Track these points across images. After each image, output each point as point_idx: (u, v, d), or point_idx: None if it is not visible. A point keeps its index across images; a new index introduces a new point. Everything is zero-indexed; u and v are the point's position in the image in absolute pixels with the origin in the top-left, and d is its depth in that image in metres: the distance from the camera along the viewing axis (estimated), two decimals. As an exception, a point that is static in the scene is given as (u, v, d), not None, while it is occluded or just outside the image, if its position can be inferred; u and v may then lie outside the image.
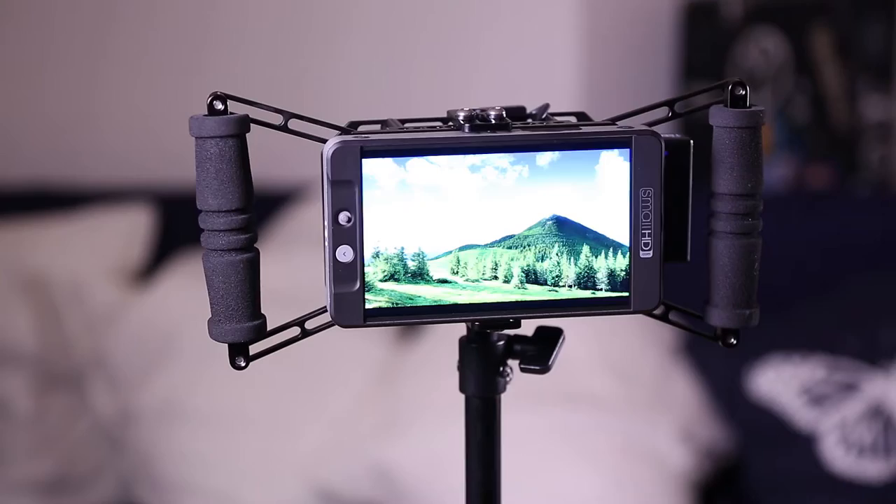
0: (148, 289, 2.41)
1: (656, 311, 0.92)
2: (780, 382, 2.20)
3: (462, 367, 0.96)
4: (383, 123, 0.93)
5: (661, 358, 2.27)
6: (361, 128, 0.93)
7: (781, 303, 2.41)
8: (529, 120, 0.93)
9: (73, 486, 2.41)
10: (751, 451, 2.18)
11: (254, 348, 0.90)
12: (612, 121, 0.91)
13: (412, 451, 2.12)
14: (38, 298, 2.45)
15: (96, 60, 2.72)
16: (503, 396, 2.07)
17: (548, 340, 0.96)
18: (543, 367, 0.94)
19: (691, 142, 0.93)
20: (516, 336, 0.97)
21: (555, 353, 0.95)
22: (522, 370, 0.95)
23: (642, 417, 2.15)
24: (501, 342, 0.96)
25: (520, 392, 2.08)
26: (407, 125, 0.93)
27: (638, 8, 2.64)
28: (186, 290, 2.24)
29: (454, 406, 2.08)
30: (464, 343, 0.96)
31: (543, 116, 0.93)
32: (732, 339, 0.92)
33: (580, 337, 2.24)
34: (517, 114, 0.94)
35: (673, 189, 0.93)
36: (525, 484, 2.05)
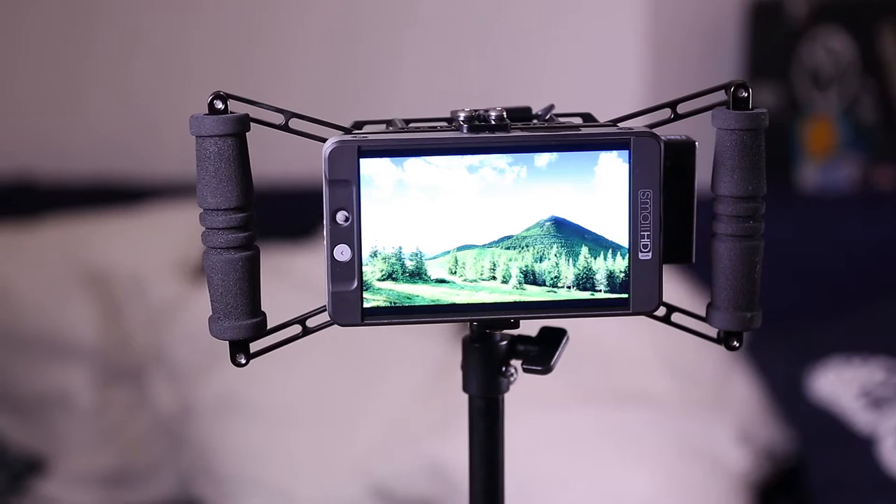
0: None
1: (658, 313, 0.92)
2: (841, 384, 2.18)
3: (465, 366, 0.96)
4: (388, 123, 0.94)
5: (720, 358, 2.26)
6: (366, 127, 0.93)
7: (844, 304, 2.38)
8: (535, 121, 0.93)
9: (132, 480, 2.43)
10: (810, 453, 2.16)
11: (256, 346, 0.91)
12: (614, 122, 0.90)
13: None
14: (100, 293, 2.48)
15: (155, 58, 2.75)
16: (569, 394, 2.08)
17: (551, 341, 0.96)
18: (545, 368, 0.94)
19: (696, 143, 0.93)
20: (520, 336, 0.97)
21: (557, 353, 0.95)
22: (525, 370, 0.96)
23: (700, 418, 2.14)
24: (504, 342, 0.96)
25: (577, 391, 2.09)
26: (411, 125, 0.93)
27: (703, 8, 2.63)
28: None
29: (512, 404, 2.09)
30: (467, 343, 0.96)
31: (547, 117, 0.93)
32: (735, 342, 0.91)
33: (638, 336, 2.24)
34: (522, 114, 0.94)
35: (678, 190, 0.93)
36: (580, 483, 2.05)
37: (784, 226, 2.44)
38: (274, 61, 2.71)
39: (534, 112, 0.95)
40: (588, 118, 0.95)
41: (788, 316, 2.41)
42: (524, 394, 2.08)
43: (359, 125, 0.94)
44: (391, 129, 0.91)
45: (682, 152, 0.93)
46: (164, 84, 2.73)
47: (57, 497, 2.40)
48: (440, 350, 2.29)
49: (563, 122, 0.93)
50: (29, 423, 2.46)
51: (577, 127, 0.89)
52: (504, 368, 0.96)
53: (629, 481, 2.04)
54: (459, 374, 2.18)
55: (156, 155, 2.65)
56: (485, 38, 2.62)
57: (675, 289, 2.20)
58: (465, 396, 2.14)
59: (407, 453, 2.18)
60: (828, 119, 2.60)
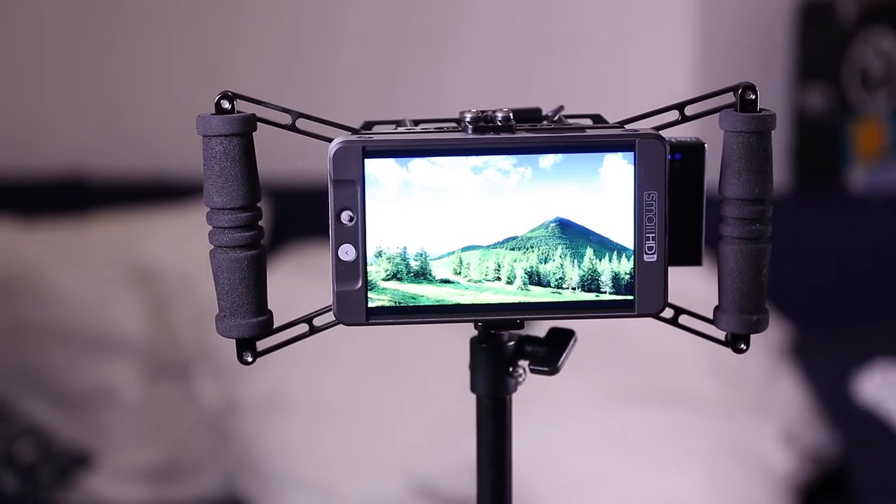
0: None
1: (665, 315, 0.92)
2: (886, 387, 2.16)
3: (472, 366, 0.97)
4: (397, 123, 0.94)
5: (767, 359, 2.25)
6: (375, 128, 0.94)
7: (891, 307, 2.37)
8: (545, 122, 0.93)
9: (178, 475, 2.45)
10: (854, 456, 2.15)
11: (262, 344, 0.91)
12: (622, 124, 0.90)
13: (515, 447, 2.11)
14: (148, 290, 2.50)
15: (205, 57, 2.77)
16: (613, 395, 2.07)
17: (559, 342, 0.96)
18: (552, 369, 0.94)
19: (705, 145, 0.93)
20: (528, 337, 0.97)
21: (565, 354, 0.95)
22: (531, 371, 0.96)
23: (745, 419, 2.13)
24: (512, 343, 0.96)
25: (621, 392, 2.09)
26: (420, 125, 0.94)
27: (752, 10, 2.61)
28: (294, 283, 2.27)
29: (556, 403, 2.09)
30: (474, 343, 0.97)
31: (556, 118, 0.93)
32: (742, 345, 0.91)
33: (683, 337, 2.23)
34: (531, 115, 0.94)
35: (687, 192, 0.93)
36: (623, 484, 2.05)
37: (833, 227, 2.43)
38: (316, 65, 2.72)
39: (543, 113, 0.95)
40: (598, 119, 0.95)
41: (835, 318, 2.39)
42: (569, 394, 2.10)
43: (369, 125, 0.94)
44: (399, 129, 0.92)
45: (691, 154, 0.93)
46: (211, 83, 2.74)
47: (103, 491, 2.43)
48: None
49: (571, 124, 0.93)
50: (76, 417, 2.48)
51: (582, 128, 0.89)
52: (511, 369, 0.96)
53: (672, 482, 2.04)
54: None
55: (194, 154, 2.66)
56: (531, 37, 2.62)
57: (702, 287, 2.20)
58: (514, 396, 2.14)
59: (450, 451, 2.18)
60: (877, 120, 2.58)
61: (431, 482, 2.20)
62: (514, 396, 2.09)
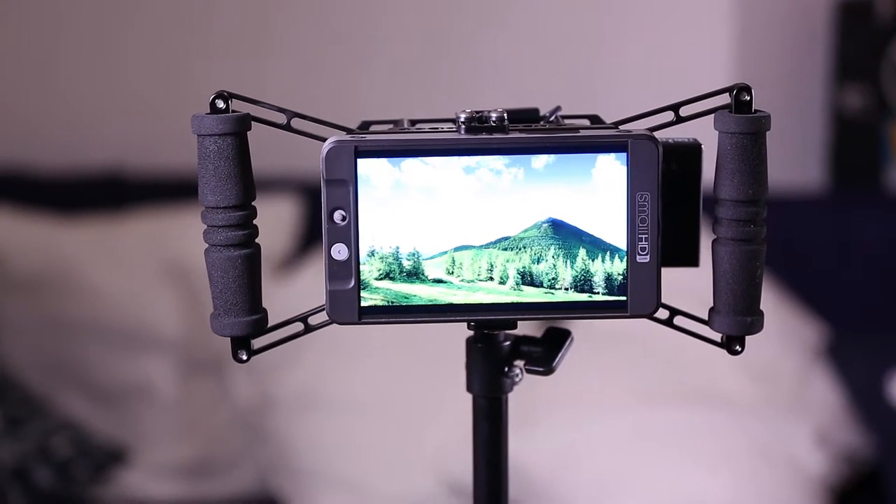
0: (291, 278, 2.45)
1: (660, 316, 0.92)
2: (922, 389, 2.15)
3: (468, 366, 0.97)
4: (395, 123, 0.95)
5: (801, 360, 2.24)
6: (372, 127, 0.94)
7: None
8: (542, 122, 0.93)
9: (212, 472, 2.47)
10: (889, 457, 2.14)
11: (259, 342, 0.92)
12: (617, 124, 0.90)
13: (545, 447, 2.12)
14: (183, 286, 2.51)
15: (242, 54, 2.78)
16: (647, 395, 2.07)
17: (555, 342, 0.96)
18: (547, 369, 0.94)
19: (702, 146, 0.93)
20: (524, 337, 0.97)
21: (560, 354, 0.95)
22: (527, 371, 0.96)
23: (779, 420, 2.12)
24: (508, 342, 0.96)
25: (655, 391, 2.09)
26: (417, 125, 0.94)
27: (790, 8, 2.59)
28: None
29: (587, 403, 2.09)
30: (470, 343, 0.97)
31: (551, 119, 0.93)
32: (738, 347, 0.91)
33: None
34: (528, 116, 0.94)
35: (683, 193, 0.93)
36: (656, 484, 2.05)
37: (871, 228, 2.41)
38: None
39: (541, 114, 0.95)
40: (595, 120, 0.95)
41: (871, 318, 2.38)
42: (600, 394, 2.10)
43: (366, 125, 0.95)
44: (395, 129, 0.92)
45: (687, 155, 0.93)
46: (246, 82, 2.76)
47: (138, 487, 2.45)
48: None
49: (566, 125, 0.93)
50: (113, 413, 2.50)
51: (576, 129, 0.89)
52: (507, 369, 0.96)
53: (704, 483, 2.03)
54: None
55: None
56: (570, 36, 2.62)
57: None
58: (544, 396, 2.15)
59: (482, 451, 2.18)
60: (917, 120, 2.56)
61: (463, 480, 2.19)
62: (549, 395, 2.10)
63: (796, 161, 2.63)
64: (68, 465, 2.38)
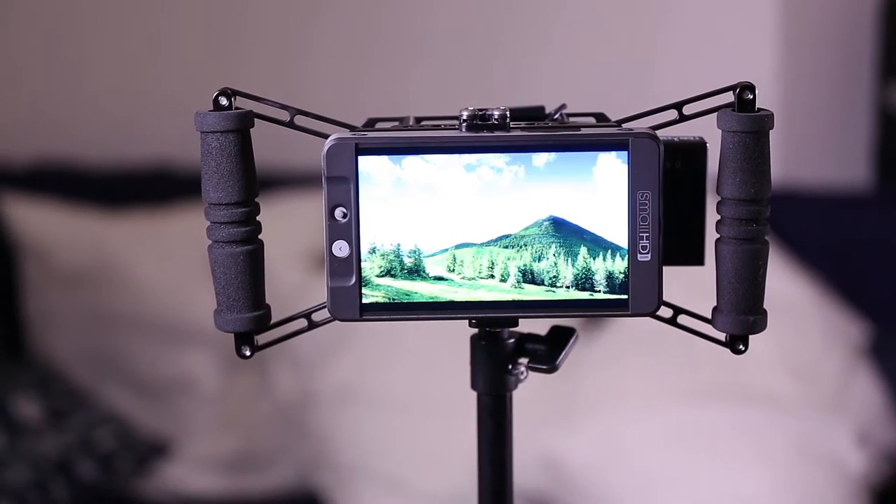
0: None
1: (664, 315, 0.92)
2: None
3: (472, 363, 0.97)
4: (401, 121, 0.95)
5: (844, 358, 2.22)
6: (378, 125, 0.94)
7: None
8: (546, 120, 0.93)
9: (254, 466, 2.48)
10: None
11: (263, 338, 0.93)
12: (619, 123, 0.90)
13: (585, 444, 2.13)
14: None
15: (286, 51, 2.79)
16: (690, 392, 2.06)
17: (559, 340, 0.96)
18: (550, 367, 0.94)
19: (707, 144, 0.92)
20: (528, 334, 0.97)
21: (564, 352, 0.95)
22: (530, 369, 0.96)
23: (820, 418, 2.11)
24: (512, 340, 0.96)
25: (697, 389, 2.08)
26: (423, 122, 0.94)
27: (837, 5, 2.57)
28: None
29: (630, 402, 2.09)
30: (474, 340, 0.97)
31: (556, 117, 0.93)
32: (741, 346, 0.91)
33: (761, 336, 2.21)
34: (533, 113, 0.94)
35: (689, 191, 0.93)
36: (697, 481, 2.05)
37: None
38: (394, 62, 2.73)
39: (547, 111, 0.95)
40: (601, 118, 0.94)
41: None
42: (644, 391, 2.09)
43: (372, 122, 0.95)
44: (398, 126, 0.93)
45: (692, 153, 0.93)
46: (291, 77, 2.77)
47: (181, 480, 2.46)
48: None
49: (573, 122, 0.93)
50: (156, 406, 2.52)
51: (577, 127, 0.89)
52: (511, 366, 0.96)
53: (747, 481, 2.03)
54: (580, 369, 2.19)
55: (284, 145, 2.68)
56: (613, 33, 2.61)
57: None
58: (585, 391, 2.15)
59: (523, 447, 2.17)
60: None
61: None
62: (590, 391, 2.10)
63: (841, 158, 2.61)
64: (111, 457, 2.40)
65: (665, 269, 0.90)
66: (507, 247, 0.88)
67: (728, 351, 2.10)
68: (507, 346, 0.96)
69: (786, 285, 2.29)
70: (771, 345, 2.21)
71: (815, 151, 2.59)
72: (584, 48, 2.61)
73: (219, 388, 2.50)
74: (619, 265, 0.88)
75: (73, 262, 2.56)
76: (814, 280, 2.28)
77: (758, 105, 0.87)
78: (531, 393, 2.22)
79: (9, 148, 2.76)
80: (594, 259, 0.88)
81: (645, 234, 0.87)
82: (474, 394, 2.23)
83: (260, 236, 0.91)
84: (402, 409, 2.27)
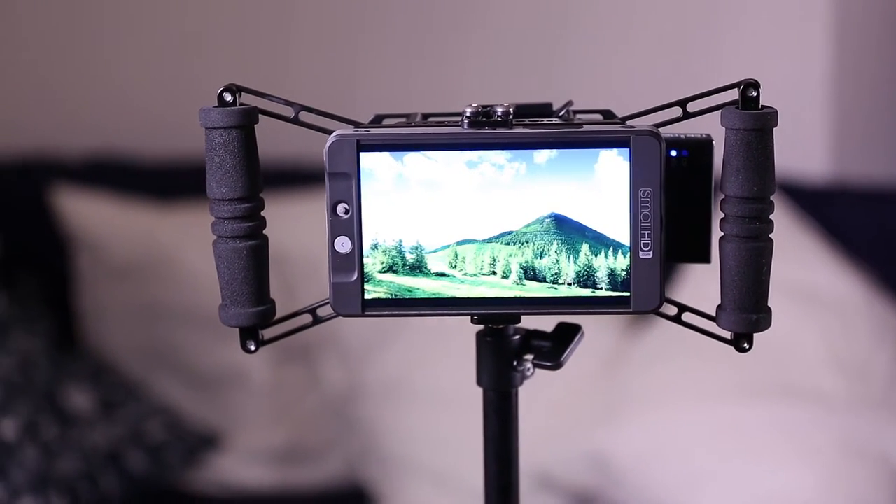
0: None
1: (669, 312, 0.91)
2: None
3: (478, 360, 0.98)
4: (407, 117, 0.95)
5: (893, 355, 2.21)
6: (385, 121, 0.95)
7: None
8: (554, 117, 0.93)
9: (303, 459, 2.49)
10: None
11: (268, 333, 0.93)
12: (623, 120, 0.90)
13: (632, 439, 2.12)
14: (277, 273, 2.53)
15: (331, 47, 2.80)
16: (738, 389, 2.06)
17: (564, 337, 0.96)
18: (555, 364, 0.94)
19: (713, 141, 0.92)
20: (534, 331, 0.97)
21: (569, 349, 0.95)
22: (535, 366, 0.96)
23: (869, 416, 2.10)
24: (517, 337, 0.96)
25: (745, 385, 2.07)
26: (430, 119, 0.95)
27: (892, 7, 2.55)
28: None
29: (678, 397, 2.08)
30: (479, 336, 0.97)
31: (561, 113, 0.93)
32: (745, 344, 0.90)
33: (809, 332, 2.20)
34: (540, 110, 0.94)
35: (695, 188, 0.93)
36: (743, 478, 2.04)
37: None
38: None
39: (554, 108, 0.95)
40: (608, 114, 0.94)
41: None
42: (690, 386, 2.09)
43: (379, 119, 0.95)
44: (404, 123, 0.93)
45: (699, 150, 0.92)
46: (339, 73, 2.78)
47: (231, 472, 2.48)
48: (612, 340, 2.29)
49: (578, 119, 0.93)
50: (206, 398, 2.53)
51: (579, 124, 0.89)
52: (516, 363, 0.96)
53: (792, 478, 2.02)
54: (629, 365, 2.19)
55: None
56: (664, 31, 2.60)
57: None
58: (634, 387, 2.15)
59: (570, 442, 2.19)
60: None
61: (549, 472, 2.20)
62: (638, 387, 2.10)
63: (892, 154, 2.58)
64: (161, 449, 2.42)
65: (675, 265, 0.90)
66: (508, 243, 0.89)
67: (776, 347, 2.10)
68: (512, 342, 0.96)
69: (835, 281, 2.27)
70: (819, 342, 2.19)
71: (865, 147, 2.56)
72: (629, 46, 2.61)
73: (269, 380, 2.51)
74: (621, 262, 0.88)
75: (126, 255, 2.58)
76: (863, 276, 2.26)
77: (762, 103, 0.86)
78: (578, 389, 2.23)
79: (62, 142, 2.79)
80: (596, 256, 0.88)
81: (647, 232, 0.87)
82: (524, 388, 2.24)
83: (265, 231, 0.92)
84: (449, 403, 2.27)
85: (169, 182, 2.70)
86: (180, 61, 2.87)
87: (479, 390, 2.26)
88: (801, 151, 2.45)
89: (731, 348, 2.08)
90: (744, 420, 2.10)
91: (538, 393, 2.23)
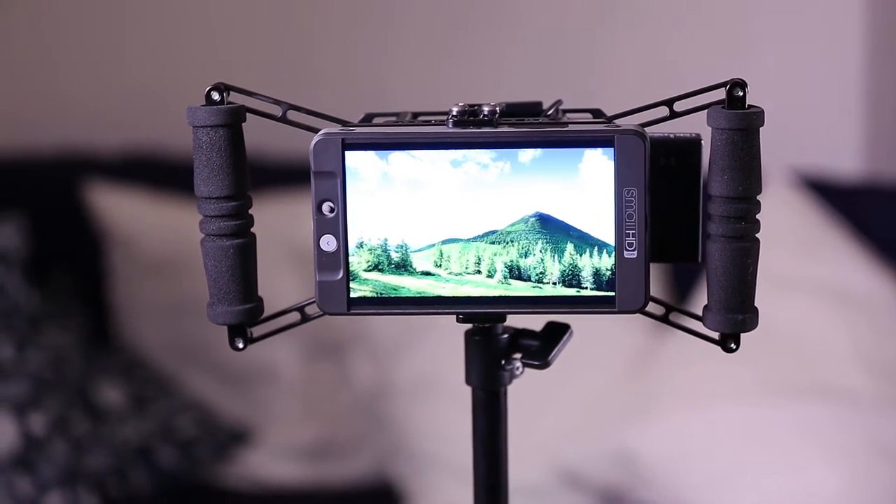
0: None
1: (657, 312, 0.91)
2: None
3: (466, 359, 0.98)
4: (397, 116, 0.95)
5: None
6: (375, 120, 0.95)
7: None
8: (545, 116, 0.93)
9: (333, 455, 2.50)
10: None
11: (258, 331, 0.94)
12: (611, 119, 0.90)
13: (660, 438, 2.12)
14: (308, 270, 2.54)
15: (362, 43, 2.81)
16: (765, 388, 2.05)
17: (553, 336, 0.96)
18: (542, 363, 0.94)
19: (702, 141, 0.92)
20: (523, 330, 0.97)
21: (557, 348, 0.94)
22: (523, 365, 0.96)
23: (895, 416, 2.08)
24: (506, 335, 0.96)
25: (773, 384, 2.06)
26: (420, 118, 0.95)
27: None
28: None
29: (706, 395, 2.08)
30: (468, 335, 0.97)
31: (549, 112, 0.93)
32: (732, 345, 0.90)
33: (837, 331, 2.19)
34: (529, 109, 0.94)
35: (683, 188, 0.92)
36: (769, 477, 2.04)
37: None
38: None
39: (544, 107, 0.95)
40: (598, 114, 0.94)
41: None
42: (718, 384, 2.08)
43: (369, 117, 0.96)
44: (391, 122, 0.93)
45: (687, 150, 0.92)
46: (377, 69, 2.78)
47: (261, 467, 2.49)
48: (641, 337, 2.28)
49: (567, 119, 0.93)
50: (238, 394, 2.55)
51: (564, 124, 0.89)
52: (505, 362, 0.96)
53: (822, 477, 2.01)
54: (658, 363, 2.18)
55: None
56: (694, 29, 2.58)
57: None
58: (663, 386, 2.14)
59: (596, 439, 2.19)
60: None
61: (577, 470, 2.20)
62: (666, 385, 2.09)
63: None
64: (192, 444, 2.43)
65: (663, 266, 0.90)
66: (493, 242, 0.89)
67: (806, 346, 2.08)
68: (500, 341, 0.96)
69: (864, 280, 2.26)
70: (849, 341, 2.18)
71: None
72: (653, 43, 2.60)
73: (299, 376, 2.53)
74: (606, 262, 0.88)
75: (159, 251, 2.59)
76: (893, 275, 2.25)
77: (748, 102, 0.86)
78: (607, 388, 2.23)
79: (97, 138, 2.81)
80: (581, 256, 0.88)
81: (631, 231, 0.87)
82: (552, 386, 2.25)
83: (252, 229, 0.92)
84: (478, 402, 2.27)
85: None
86: (214, 59, 2.89)
87: (510, 389, 2.27)
88: (833, 149, 2.44)
89: (758, 347, 2.08)
90: (771, 419, 2.10)
91: (566, 390, 2.25)
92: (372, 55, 2.76)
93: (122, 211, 2.62)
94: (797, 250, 2.28)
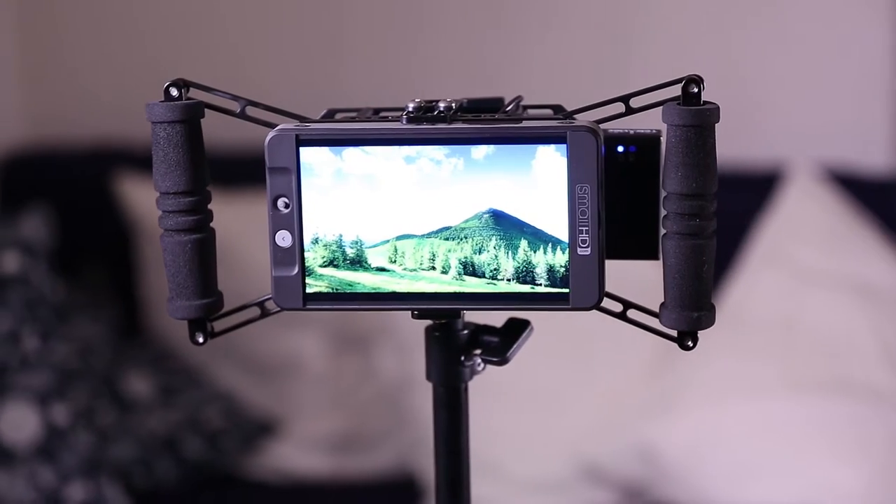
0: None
1: (615, 309, 0.91)
2: None
3: (426, 354, 0.98)
4: (358, 112, 0.95)
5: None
6: (337, 116, 0.95)
7: None
8: (500, 113, 0.93)
9: (358, 448, 2.50)
10: None
11: (220, 325, 0.94)
12: (570, 115, 0.89)
13: (682, 433, 2.12)
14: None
15: (399, 41, 2.80)
16: (787, 382, 2.04)
17: (513, 333, 0.95)
18: (501, 360, 0.94)
19: (661, 137, 0.91)
20: (483, 326, 0.97)
21: (516, 345, 0.94)
22: (483, 361, 0.96)
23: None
24: (466, 332, 0.96)
25: (795, 379, 2.06)
26: (381, 114, 0.95)
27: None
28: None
29: (728, 390, 2.07)
30: (428, 331, 0.97)
31: (508, 108, 0.93)
32: (689, 342, 0.89)
33: (862, 326, 2.17)
34: (490, 105, 0.94)
35: (643, 184, 0.92)
36: (790, 472, 2.05)
37: None
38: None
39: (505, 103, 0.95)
40: (558, 109, 0.94)
41: None
42: (741, 379, 2.08)
43: (332, 113, 0.96)
44: (349, 117, 0.93)
45: (646, 146, 0.92)
46: (409, 67, 2.78)
47: (287, 459, 2.50)
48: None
49: (525, 115, 0.93)
50: (265, 385, 2.56)
51: (518, 120, 0.89)
52: (464, 358, 0.96)
53: (840, 472, 2.01)
54: (681, 358, 2.18)
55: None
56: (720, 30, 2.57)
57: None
58: (684, 380, 2.14)
59: (619, 435, 2.19)
60: None
61: (599, 465, 2.20)
62: (688, 381, 2.09)
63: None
64: (218, 435, 2.44)
65: (621, 263, 0.89)
66: (447, 239, 0.89)
67: (828, 341, 2.07)
68: (460, 337, 0.96)
69: (891, 276, 2.24)
70: (873, 336, 2.17)
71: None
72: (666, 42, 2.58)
73: (325, 369, 2.53)
74: (560, 259, 0.87)
75: (188, 243, 2.61)
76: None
77: (704, 98, 0.85)
78: (630, 383, 2.22)
79: (128, 130, 2.83)
80: (535, 252, 0.88)
81: (584, 228, 0.86)
82: (575, 383, 2.23)
83: (212, 224, 0.92)
84: (501, 397, 2.27)
85: (231, 171, 2.72)
86: (244, 53, 2.90)
87: (533, 382, 2.27)
88: (861, 144, 2.41)
89: (781, 341, 2.07)
90: (795, 414, 2.09)
91: (590, 386, 2.24)
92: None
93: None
94: (823, 245, 2.26)
